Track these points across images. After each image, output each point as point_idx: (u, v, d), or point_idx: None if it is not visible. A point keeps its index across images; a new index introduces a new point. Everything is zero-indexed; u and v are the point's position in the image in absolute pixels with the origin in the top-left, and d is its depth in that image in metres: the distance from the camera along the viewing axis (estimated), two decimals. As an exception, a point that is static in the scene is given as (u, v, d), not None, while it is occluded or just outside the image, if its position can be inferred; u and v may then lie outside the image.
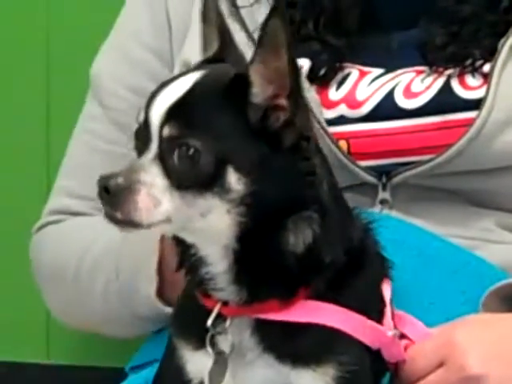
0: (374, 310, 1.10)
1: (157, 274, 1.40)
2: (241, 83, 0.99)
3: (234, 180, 0.96)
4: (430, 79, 1.39)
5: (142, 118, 1.00)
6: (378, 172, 1.39)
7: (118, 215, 0.94)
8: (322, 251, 1.01)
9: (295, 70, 0.97)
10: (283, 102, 0.98)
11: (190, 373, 1.08)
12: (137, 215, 0.94)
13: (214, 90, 1.00)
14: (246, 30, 1.44)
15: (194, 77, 1.00)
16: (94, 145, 1.62)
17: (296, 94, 0.98)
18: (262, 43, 0.97)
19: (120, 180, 0.95)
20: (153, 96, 1.01)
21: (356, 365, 1.05)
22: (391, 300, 1.15)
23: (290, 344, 1.04)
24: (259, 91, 0.98)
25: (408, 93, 1.39)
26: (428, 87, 1.38)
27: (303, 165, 1.00)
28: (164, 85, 1.02)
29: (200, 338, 1.06)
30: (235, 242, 0.99)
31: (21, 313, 2.21)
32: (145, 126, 0.99)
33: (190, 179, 0.96)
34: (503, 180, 1.39)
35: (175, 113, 0.97)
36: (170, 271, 1.34)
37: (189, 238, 1.02)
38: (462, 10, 1.42)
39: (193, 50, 1.38)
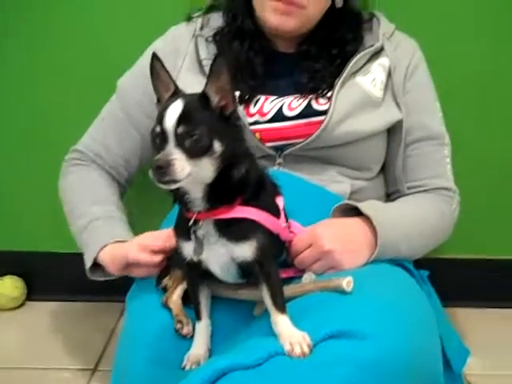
0: (274, 211, 1.44)
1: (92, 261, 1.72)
2: (204, 97, 1.30)
3: (217, 146, 1.29)
4: (300, 100, 1.76)
5: (158, 128, 1.28)
6: (276, 148, 1.76)
7: (166, 178, 1.25)
8: (248, 178, 1.35)
9: (233, 86, 1.30)
10: (226, 101, 1.30)
11: (185, 254, 1.42)
12: (175, 176, 1.25)
13: (193, 103, 1.30)
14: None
15: (178, 102, 1.29)
16: (109, 116, 1.94)
17: (234, 99, 1.32)
18: (211, 73, 1.30)
19: (164, 160, 1.25)
20: (161, 115, 1.28)
21: (266, 240, 1.39)
22: (284, 208, 1.51)
23: (233, 231, 1.36)
24: (213, 99, 1.30)
25: (289, 107, 1.76)
26: (299, 104, 1.76)
27: (240, 133, 1.36)
28: (165, 107, 1.29)
29: (187, 234, 1.39)
30: (211, 179, 1.32)
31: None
32: (161, 132, 1.27)
33: (197, 152, 1.27)
34: (340, 150, 1.76)
35: (180, 120, 1.27)
36: (102, 263, 1.72)
37: (188, 184, 1.31)
38: (315, 65, 1.79)
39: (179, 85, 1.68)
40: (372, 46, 1.84)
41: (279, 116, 1.77)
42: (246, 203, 1.38)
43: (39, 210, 2.51)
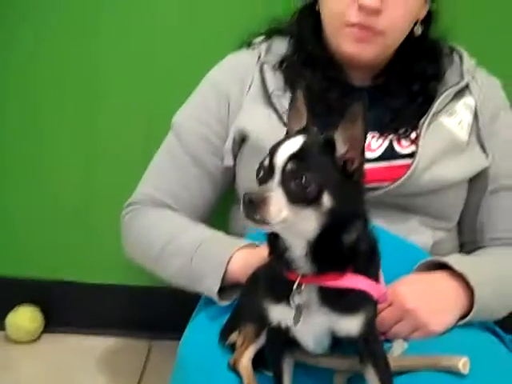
0: (377, 278, 1.24)
1: (221, 279, 1.47)
2: (329, 143, 1.11)
3: (326, 199, 1.08)
4: (380, 141, 1.57)
5: (267, 161, 1.11)
6: None
7: (257, 216, 1.06)
8: (360, 245, 1.15)
9: (365, 137, 1.11)
10: (353, 155, 1.10)
11: (272, 318, 1.21)
12: (267, 216, 1.06)
13: (315, 145, 1.11)
14: (277, 112, 1.58)
15: (300, 139, 1.11)
16: (171, 162, 1.71)
17: (363, 154, 1.12)
18: (345, 119, 1.10)
19: (259, 195, 1.06)
20: (274, 148, 1.11)
21: (374, 314, 1.21)
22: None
23: (338, 301, 1.16)
24: (339, 148, 1.10)
25: (369, 148, 1.56)
26: (380, 145, 1.57)
27: (361, 193, 1.16)
28: (281, 142, 1.12)
29: (279, 297, 1.19)
30: (314, 236, 1.11)
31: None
32: (270, 164, 1.10)
33: (300, 198, 1.07)
34: (423, 198, 1.57)
35: (294, 157, 1.08)
36: (230, 279, 1.49)
37: (286, 234, 1.12)
38: (396, 103, 1.60)
39: (244, 119, 1.61)
40: (457, 83, 1.63)
41: None
42: (356, 271, 1.17)
43: (60, 237, 2.26)
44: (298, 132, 1.17)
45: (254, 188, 1.10)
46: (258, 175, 1.13)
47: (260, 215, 1.06)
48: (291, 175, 1.08)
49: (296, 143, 1.11)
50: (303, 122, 1.18)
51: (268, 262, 1.22)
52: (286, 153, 1.10)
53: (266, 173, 1.10)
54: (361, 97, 1.11)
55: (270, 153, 1.12)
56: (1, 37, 2.06)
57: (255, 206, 1.05)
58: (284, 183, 1.08)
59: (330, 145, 1.12)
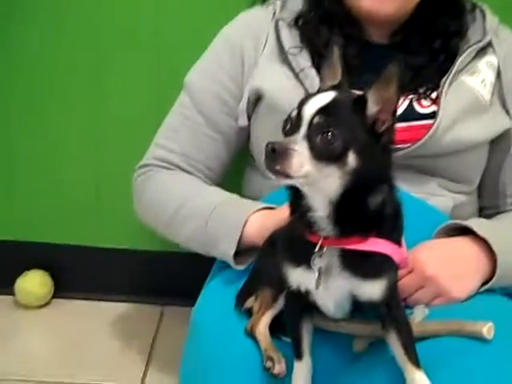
0: (400, 243, 1.20)
1: (237, 242, 1.45)
2: (361, 101, 1.08)
3: (351, 159, 1.05)
4: (400, 101, 1.42)
5: (295, 112, 1.08)
6: None
7: (277, 167, 1.03)
8: (385, 209, 1.12)
9: (398, 99, 1.09)
10: (385, 116, 1.07)
11: (291, 282, 1.18)
12: (288, 169, 1.03)
13: (346, 102, 1.09)
14: (293, 70, 1.54)
15: (331, 94, 1.09)
16: (183, 122, 1.67)
17: (394, 116, 1.09)
18: (380, 79, 1.08)
19: (282, 146, 1.03)
20: (304, 101, 1.09)
21: (395, 278, 1.19)
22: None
23: (361, 265, 1.13)
24: (371, 107, 1.07)
25: None
26: (399, 105, 1.39)
27: (389, 157, 1.12)
28: (311, 95, 1.11)
29: (299, 260, 1.16)
30: (337, 197, 1.08)
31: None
32: (297, 117, 1.07)
33: (325, 154, 1.04)
34: (444, 160, 1.53)
35: (322, 110, 1.06)
36: (246, 243, 1.47)
37: (308, 191, 1.09)
38: (416, 61, 1.53)
39: (260, 77, 1.58)
40: (479, 41, 1.57)
41: None
42: (379, 235, 1.13)
43: (70, 201, 2.22)
44: (331, 87, 1.14)
45: (279, 138, 1.06)
46: (284, 127, 1.10)
47: (281, 166, 1.03)
48: (318, 129, 1.04)
49: (327, 98, 1.08)
50: (337, 79, 1.15)
51: (288, 224, 1.19)
52: (315, 106, 1.06)
53: (292, 125, 1.07)
54: (397, 58, 1.08)
55: (298, 105, 1.08)
56: (8, 37, 2.05)
57: (277, 156, 1.02)
58: (309, 137, 1.05)
59: (361, 103, 1.08)
